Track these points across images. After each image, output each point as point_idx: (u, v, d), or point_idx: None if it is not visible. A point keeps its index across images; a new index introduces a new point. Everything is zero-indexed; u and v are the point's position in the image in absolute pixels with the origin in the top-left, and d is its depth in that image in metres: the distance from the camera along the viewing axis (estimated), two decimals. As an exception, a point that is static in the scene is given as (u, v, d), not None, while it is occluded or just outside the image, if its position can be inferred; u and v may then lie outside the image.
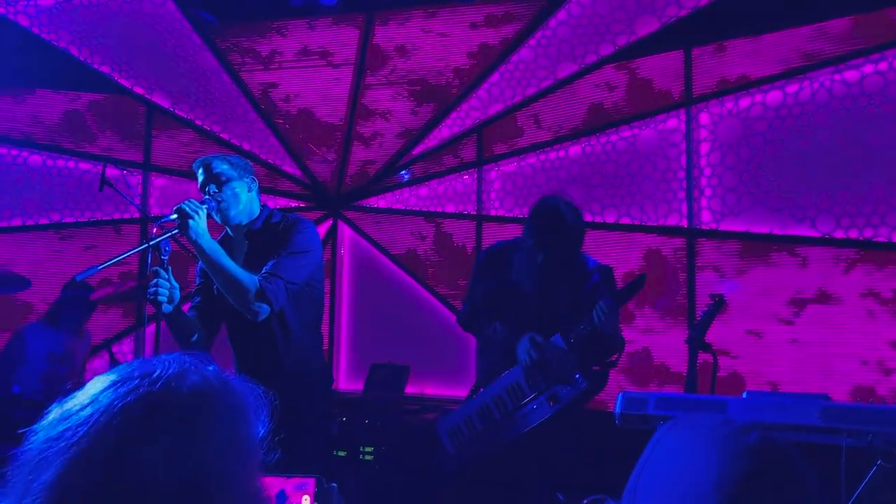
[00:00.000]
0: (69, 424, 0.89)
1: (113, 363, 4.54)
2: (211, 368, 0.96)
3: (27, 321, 5.34)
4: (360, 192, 6.05)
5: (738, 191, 4.80)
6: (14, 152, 5.81)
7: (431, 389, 5.67)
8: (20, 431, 0.93)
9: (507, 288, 3.43)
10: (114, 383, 0.92)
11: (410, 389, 5.25)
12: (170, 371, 0.92)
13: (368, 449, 4.82)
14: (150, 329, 5.80)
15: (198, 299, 3.14)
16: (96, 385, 0.93)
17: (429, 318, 5.82)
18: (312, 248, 3.04)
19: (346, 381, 5.91)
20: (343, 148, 6.01)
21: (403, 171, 5.97)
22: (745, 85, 4.80)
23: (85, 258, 5.82)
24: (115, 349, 5.56)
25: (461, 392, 5.59)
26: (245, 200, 3.04)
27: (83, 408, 0.90)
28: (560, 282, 3.37)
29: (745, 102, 4.82)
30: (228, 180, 3.00)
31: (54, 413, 0.92)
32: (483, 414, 3.38)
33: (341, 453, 4.80)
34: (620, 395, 3.30)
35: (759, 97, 4.77)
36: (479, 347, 3.64)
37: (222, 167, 3.01)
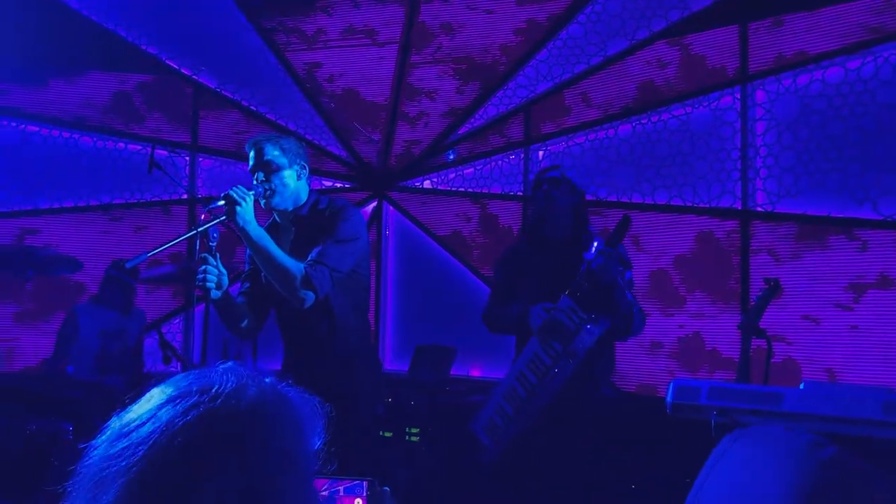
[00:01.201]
0: (129, 442, 0.88)
1: (162, 343, 4.59)
2: (268, 381, 0.95)
3: (79, 301, 5.44)
4: (406, 172, 6.01)
5: (794, 171, 4.64)
6: (66, 134, 5.89)
7: (477, 371, 5.64)
8: (81, 446, 0.91)
9: (521, 275, 3.49)
10: (172, 398, 0.90)
11: (456, 371, 5.23)
12: (228, 386, 0.90)
13: (414, 430, 4.82)
14: (199, 309, 5.88)
15: (247, 285, 3.14)
16: (154, 399, 0.92)
17: (474, 300, 5.76)
18: (358, 235, 3.01)
19: (392, 361, 5.92)
20: (388, 128, 5.97)
21: (449, 151, 5.91)
22: (804, 61, 4.61)
23: (134, 239, 5.89)
24: (164, 329, 5.63)
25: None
26: (293, 188, 3.01)
27: (142, 424, 0.89)
28: (560, 267, 3.38)
29: (803, 79, 4.64)
30: (279, 169, 2.97)
31: (113, 427, 0.91)
32: (510, 397, 3.34)
33: (387, 434, 4.81)
34: (672, 383, 3.22)
35: (818, 74, 4.59)
36: (500, 333, 3.68)
37: (273, 153, 2.98)
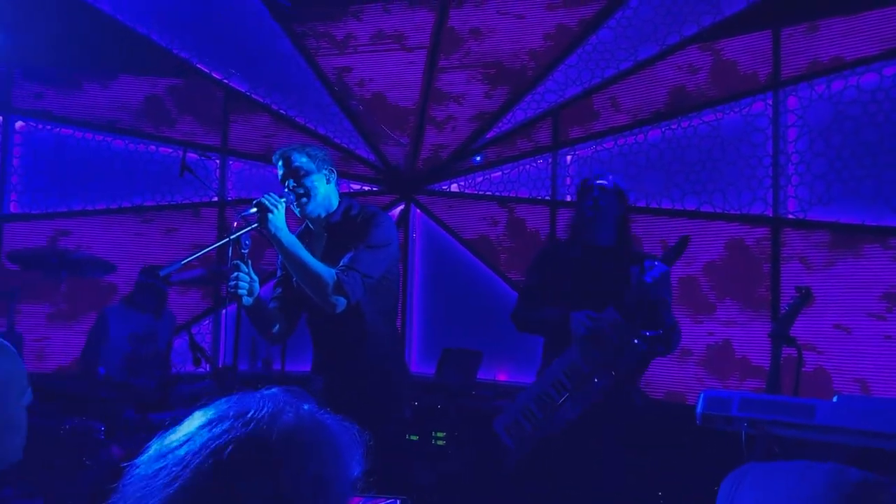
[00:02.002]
0: (165, 463, 0.90)
1: (192, 345, 4.63)
2: (306, 407, 0.95)
3: (111, 302, 5.51)
4: (433, 176, 6.02)
5: (827, 178, 4.58)
6: (99, 137, 5.97)
7: (504, 376, 5.64)
8: (123, 465, 0.94)
9: (558, 279, 3.43)
10: (210, 422, 0.92)
11: (482, 375, 5.23)
12: (263, 411, 0.91)
13: (440, 434, 4.83)
14: (228, 310, 5.93)
15: (279, 290, 3.17)
16: (195, 421, 0.94)
17: (501, 304, 5.76)
18: (390, 241, 3.04)
19: (419, 364, 5.93)
20: (416, 132, 5.98)
21: (476, 156, 5.91)
22: (839, 67, 4.55)
23: (166, 241, 5.97)
24: (193, 330, 5.69)
25: (533, 379, 5.54)
26: (323, 193, 3.04)
27: (179, 446, 0.91)
28: (602, 274, 3.34)
29: (837, 85, 4.58)
30: (308, 174, 3.00)
31: (154, 447, 0.93)
32: (542, 401, 3.27)
33: (413, 438, 4.82)
34: (702, 394, 3.19)
35: (853, 80, 4.53)
36: (530, 334, 3.63)
37: (301, 160, 3.01)
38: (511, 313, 3.53)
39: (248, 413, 0.91)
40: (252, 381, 3.98)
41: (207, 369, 4.76)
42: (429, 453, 4.78)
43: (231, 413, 0.92)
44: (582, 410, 3.23)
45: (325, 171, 3.05)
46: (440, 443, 4.82)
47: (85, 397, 4.44)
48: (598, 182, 3.41)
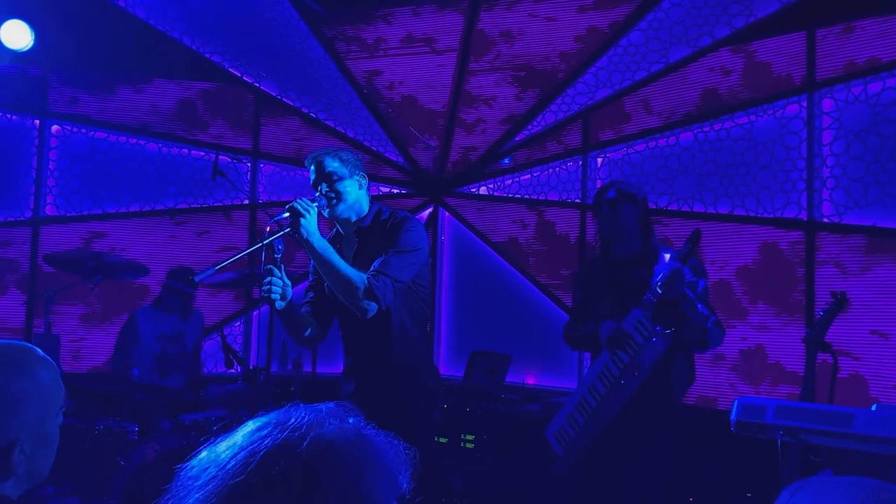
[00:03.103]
0: (215, 471, 0.92)
1: (224, 347, 4.68)
2: (351, 421, 0.95)
3: (142, 304, 5.58)
4: (462, 178, 6.02)
5: (864, 182, 4.51)
6: (133, 140, 6.05)
7: (532, 379, 5.62)
8: (175, 467, 0.96)
9: (594, 299, 3.55)
10: (255, 429, 0.94)
11: (511, 379, 5.22)
12: (303, 421, 0.92)
13: (469, 437, 4.83)
14: (260, 311, 5.98)
15: (311, 295, 3.20)
16: (244, 430, 0.96)
17: (530, 308, 5.76)
18: (420, 246, 3.04)
19: (447, 367, 5.93)
20: (445, 135, 5.99)
21: (505, 159, 5.90)
22: (877, 68, 4.47)
23: (198, 243, 6.03)
24: (226, 332, 5.74)
25: (562, 383, 5.53)
26: (354, 197, 3.06)
27: (226, 454, 0.93)
28: (635, 284, 3.38)
29: (874, 87, 4.50)
30: (340, 179, 3.01)
31: (204, 455, 0.96)
32: (581, 407, 3.40)
33: (442, 440, 4.82)
34: (736, 401, 3.16)
35: (891, 81, 4.45)
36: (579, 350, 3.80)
37: (333, 165, 3.02)
38: (562, 333, 3.68)
39: (287, 422, 0.93)
40: (283, 383, 4.03)
41: (239, 371, 4.80)
42: (458, 455, 4.78)
43: (273, 420, 0.94)
44: (615, 413, 3.30)
45: (357, 177, 3.06)
46: (469, 445, 4.82)
47: (119, 398, 4.51)
48: (605, 197, 3.47)
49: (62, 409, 1.43)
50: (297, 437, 0.91)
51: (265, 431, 0.92)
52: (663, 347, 3.25)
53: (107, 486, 4.06)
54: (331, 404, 0.98)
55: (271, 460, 0.89)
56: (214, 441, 0.96)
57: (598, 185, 5.50)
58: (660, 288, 3.21)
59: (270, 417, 0.95)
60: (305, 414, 0.94)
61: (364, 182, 3.10)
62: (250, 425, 0.95)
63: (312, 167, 3.05)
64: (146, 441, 4.18)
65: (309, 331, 3.10)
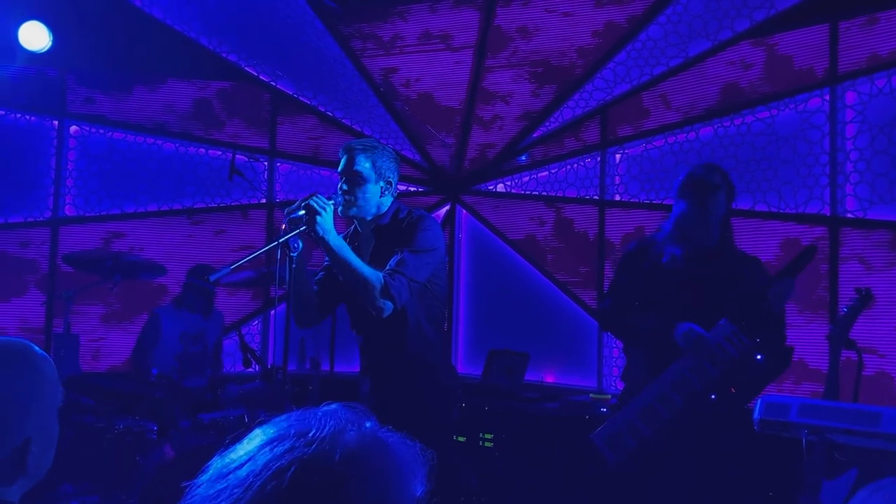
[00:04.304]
0: (227, 484, 0.88)
1: (242, 346, 4.68)
2: (368, 426, 0.93)
3: (162, 303, 5.59)
4: (479, 175, 5.98)
5: (889, 176, 4.43)
6: (149, 140, 6.07)
7: (551, 378, 5.58)
8: (183, 484, 0.92)
9: (655, 280, 3.18)
10: (271, 441, 0.90)
11: (529, 377, 5.19)
12: (325, 430, 0.89)
13: (488, 436, 4.80)
14: (278, 310, 5.98)
15: (321, 275, 3.16)
16: (255, 440, 0.92)
17: (548, 306, 5.72)
18: (436, 246, 3.01)
19: (465, 365, 5.91)
20: (462, 132, 5.96)
21: (522, 156, 5.86)
22: (901, 61, 4.40)
23: (215, 242, 6.04)
24: (243, 330, 5.75)
25: (581, 381, 5.49)
26: (373, 203, 3.01)
27: (240, 466, 0.89)
28: (708, 279, 3.13)
29: (899, 80, 4.43)
30: (363, 182, 2.97)
31: (215, 466, 0.91)
32: (648, 417, 3.04)
33: (461, 439, 4.80)
34: (760, 399, 3.11)
35: (916, 73, 4.38)
36: (626, 344, 3.42)
37: (364, 165, 2.97)
38: (600, 309, 3.34)
39: (309, 432, 0.89)
40: (301, 382, 4.00)
41: (257, 370, 4.80)
42: (476, 455, 4.76)
43: (292, 432, 0.90)
44: (694, 429, 3.03)
45: (382, 183, 3.00)
46: (487, 444, 4.79)
47: (138, 397, 4.52)
48: (709, 180, 3.11)
49: (58, 396, 1.40)
50: (327, 449, 0.88)
51: (287, 444, 0.88)
52: (764, 370, 3.04)
53: (126, 486, 4.07)
54: (338, 407, 0.94)
55: (303, 477, 0.86)
56: (224, 454, 0.92)
57: (618, 181, 5.47)
58: (771, 294, 2.95)
59: (285, 429, 0.91)
60: (325, 422, 0.91)
61: (389, 189, 3.03)
62: (261, 436, 0.91)
63: (344, 158, 3.01)
64: (165, 440, 4.18)
65: (308, 309, 3.06)
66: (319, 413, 0.93)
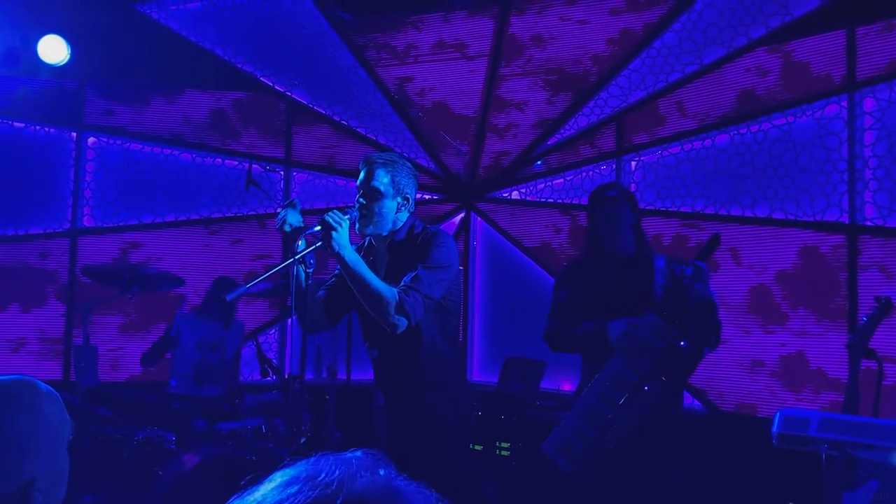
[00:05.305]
0: None
1: (259, 356, 4.70)
2: (382, 473, 0.92)
3: (182, 310, 5.63)
4: (494, 183, 5.98)
5: (909, 184, 4.39)
6: (166, 151, 6.11)
7: (568, 385, 5.57)
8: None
9: (588, 294, 3.38)
10: (282, 484, 0.91)
11: (546, 385, 5.18)
12: (333, 475, 0.89)
13: (505, 444, 4.79)
14: (296, 319, 6.00)
15: (332, 280, 3.16)
16: (272, 483, 0.93)
17: (565, 313, 5.70)
18: (451, 263, 2.99)
19: (480, 373, 5.90)
20: (476, 139, 5.96)
21: (537, 163, 5.85)
22: (920, 66, 4.36)
23: (232, 252, 6.07)
24: (260, 339, 5.77)
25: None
26: (389, 218, 3.01)
27: None
28: (630, 284, 3.30)
29: (918, 86, 4.39)
30: (380, 198, 2.97)
31: None
32: (591, 418, 3.15)
33: (478, 447, 4.79)
34: (778, 413, 3.07)
35: (935, 80, 4.33)
36: (569, 353, 3.56)
37: (382, 181, 2.97)
38: (544, 332, 3.46)
39: (318, 477, 0.90)
40: (318, 391, 3.98)
41: (274, 380, 4.82)
42: (493, 464, 4.75)
43: (303, 476, 0.91)
44: (637, 422, 3.13)
45: (399, 198, 3.00)
46: (504, 453, 4.78)
47: (157, 407, 4.55)
48: (606, 194, 3.39)
49: (70, 439, 1.43)
50: (330, 493, 0.88)
51: (294, 489, 0.89)
52: (689, 351, 3.14)
53: (145, 496, 4.10)
54: (360, 453, 0.95)
55: None
56: (242, 496, 0.93)
57: (633, 189, 5.45)
58: (685, 285, 3.15)
59: (299, 472, 0.92)
60: (335, 467, 0.91)
61: (406, 205, 3.03)
62: (278, 479, 0.92)
63: (364, 171, 3.01)
64: (184, 451, 4.21)
65: (313, 313, 3.08)
66: (336, 458, 0.93)
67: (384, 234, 3.05)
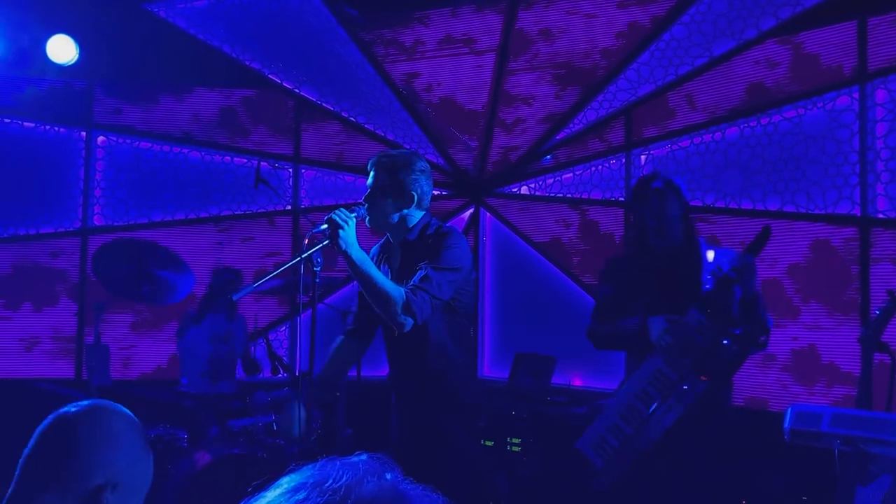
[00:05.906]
0: None
1: (270, 353, 4.71)
2: (388, 477, 0.92)
3: (189, 309, 5.65)
4: (503, 178, 5.97)
5: (921, 175, 4.35)
6: (176, 149, 6.13)
7: (579, 381, 5.56)
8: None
9: (627, 294, 3.30)
10: (289, 490, 0.91)
11: (557, 380, 5.17)
12: (341, 481, 0.89)
13: (515, 440, 4.78)
14: (305, 316, 6.01)
15: (355, 304, 3.25)
16: (280, 489, 0.93)
17: (575, 308, 5.68)
18: (461, 265, 2.98)
19: (491, 369, 5.90)
20: (485, 135, 5.94)
21: (546, 157, 5.84)
22: (933, 57, 4.31)
23: (243, 249, 6.08)
24: (271, 336, 5.78)
25: (609, 385, 5.43)
26: (394, 218, 3.00)
27: None
28: (678, 278, 3.22)
29: (931, 76, 4.34)
30: (381, 198, 2.98)
31: None
32: (628, 416, 3.11)
33: (488, 443, 4.79)
34: (790, 408, 3.05)
35: (948, 70, 4.28)
36: (615, 350, 3.52)
37: (381, 182, 2.98)
38: (587, 330, 3.42)
39: (325, 482, 0.90)
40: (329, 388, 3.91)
41: (285, 377, 4.83)
42: (504, 459, 4.74)
43: (310, 482, 0.91)
44: (674, 420, 3.07)
45: (405, 199, 2.99)
46: (515, 449, 4.77)
47: (168, 405, 4.58)
48: (653, 185, 3.27)
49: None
50: (338, 500, 0.88)
51: (302, 495, 0.89)
52: (735, 350, 3.06)
53: (157, 494, 4.12)
54: (367, 458, 0.95)
55: None
56: (249, 501, 0.93)
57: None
58: (732, 279, 3.05)
59: (306, 478, 0.91)
60: (342, 473, 0.91)
61: (415, 204, 3.00)
62: (285, 485, 0.92)
63: (372, 171, 3.02)
64: (196, 448, 4.23)
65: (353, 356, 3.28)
66: (342, 463, 0.93)
67: (392, 232, 3.05)
